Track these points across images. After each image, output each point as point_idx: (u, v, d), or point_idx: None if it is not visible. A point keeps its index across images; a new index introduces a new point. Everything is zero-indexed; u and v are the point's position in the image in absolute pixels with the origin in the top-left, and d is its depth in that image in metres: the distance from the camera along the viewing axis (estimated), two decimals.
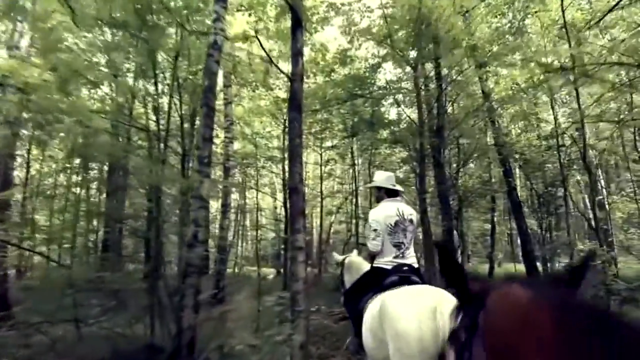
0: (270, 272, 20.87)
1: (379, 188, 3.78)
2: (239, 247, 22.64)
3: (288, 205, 4.81)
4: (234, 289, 10.10)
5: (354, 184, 17.05)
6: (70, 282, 6.00)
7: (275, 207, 21.57)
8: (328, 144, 17.28)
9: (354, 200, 17.22)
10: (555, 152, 12.40)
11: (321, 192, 17.94)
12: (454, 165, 14.80)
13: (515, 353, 0.92)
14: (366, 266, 4.05)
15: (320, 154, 17.67)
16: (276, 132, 16.92)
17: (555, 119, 12.42)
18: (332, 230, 21.04)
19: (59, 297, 6.30)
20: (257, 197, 19.06)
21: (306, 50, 12.24)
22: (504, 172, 13.21)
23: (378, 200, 3.80)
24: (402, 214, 3.51)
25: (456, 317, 1.22)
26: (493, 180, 17.15)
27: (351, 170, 18.09)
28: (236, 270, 18.43)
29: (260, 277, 15.59)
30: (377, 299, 3.07)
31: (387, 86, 11.79)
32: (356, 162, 17.11)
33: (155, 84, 6.87)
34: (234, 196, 21.82)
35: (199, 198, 5.20)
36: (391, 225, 3.45)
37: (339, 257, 4.95)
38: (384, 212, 3.50)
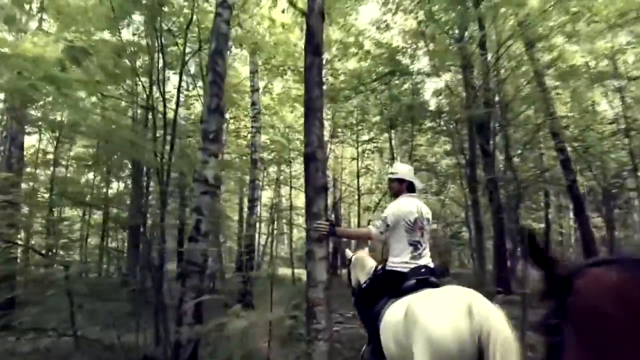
0: (304, 274, 19.88)
1: (400, 181, 3.58)
2: (273, 247, 21.82)
3: (304, 177, 3.70)
4: (264, 292, 9.29)
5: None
6: (69, 288, 5.26)
7: None
8: (364, 137, 16.15)
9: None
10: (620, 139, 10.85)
11: (358, 188, 16.83)
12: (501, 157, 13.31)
13: (607, 334, 0.89)
14: (370, 263, 4.05)
15: (357, 148, 16.56)
16: None
17: (623, 98, 10.83)
18: None
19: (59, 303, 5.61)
20: (290, 195, 18.18)
21: (338, 33, 11.28)
22: (561, 162, 11.77)
23: (396, 195, 3.60)
24: (421, 212, 3.39)
25: (544, 304, 1.11)
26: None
27: (389, 165, 16.88)
28: (270, 271, 17.63)
29: (295, 279, 14.69)
30: (398, 303, 2.95)
31: (431, 64, 10.53)
32: (395, 156, 15.83)
33: (163, 56, 6.04)
34: (267, 193, 21.08)
35: (202, 181, 4.27)
36: (410, 222, 3.30)
37: (349, 253, 4.83)
38: (405, 208, 3.35)
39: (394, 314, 2.90)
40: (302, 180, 20.29)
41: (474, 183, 9.62)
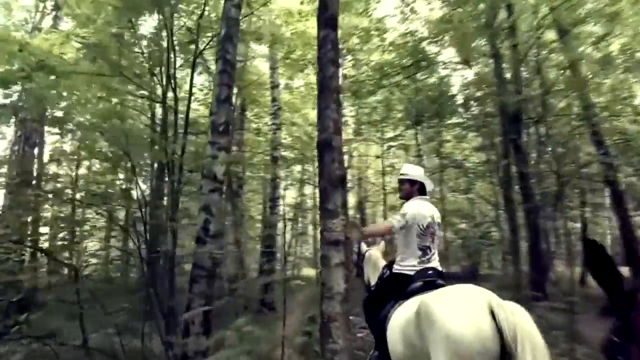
0: None
1: (412, 182, 3.49)
2: (298, 247, 21.51)
3: (318, 169, 3.28)
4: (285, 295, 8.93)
5: None
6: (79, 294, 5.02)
7: None
8: (389, 134, 15.64)
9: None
10: None
11: (383, 187, 16.32)
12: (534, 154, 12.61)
13: None
14: (382, 263, 4.01)
15: (382, 146, 16.05)
16: None
17: None
18: None
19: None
20: (314, 194, 17.82)
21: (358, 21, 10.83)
22: (600, 157, 11.03)
23: (407, 197, 3.50)
24: (434, 216, 3.33)
25: (606, 319, 1.14)
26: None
27: (415, 163, 16.28)
28: (295, 272, 17.39)
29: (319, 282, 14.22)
30: (407, 304, 2.87)
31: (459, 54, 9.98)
32: (421, 153, 15.23)
33: (172, 49, 5.74)
34: (291, 192, 20.77)
35: (211, 178, 3.92)
36: (423, 226, 3.24)
37: (364, 247, 4.73)
38: (420, 210, 3.27)
39: (402, 314, 2.82)
40: None
41: (507, 178, 9.01)
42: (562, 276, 12.31)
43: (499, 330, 2.14)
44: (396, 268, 3.32)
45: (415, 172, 3.53)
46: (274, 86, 10.41)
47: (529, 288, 10.25)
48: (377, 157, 17.47)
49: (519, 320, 2.17)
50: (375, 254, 4.42)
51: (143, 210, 5.09)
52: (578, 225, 16.42)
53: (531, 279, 10.84)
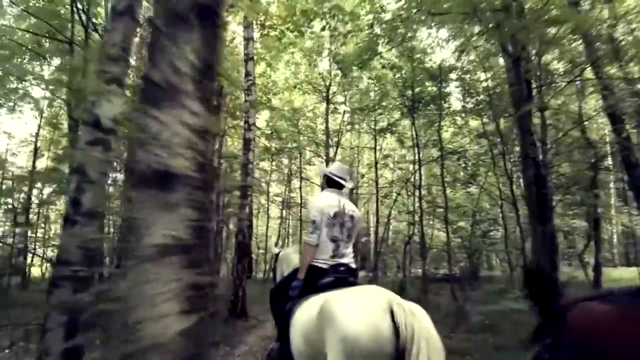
0: None
1: (323, 176, 3.54)
2: (285, 247, 20.12)
3: None
4: (261, 297, 7.66)
5: (416, 171, 13.79)
6: None
7: None
8: (383, 123, 14.31)
9: (417, 191, 14.02)
10: None
11: (376, 182, 14.92)
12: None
13: None
14: (297, 260, 3.99)
15: (375, 136, 14.69)
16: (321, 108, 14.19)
17: None
18: (391, 228, 18.14)
19: None
20: (300, 188, 16.46)
21: None
22: (619, 145, 9.78)
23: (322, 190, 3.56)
24: (343, 207, 3.25)
25: (540, 340, 1.25)
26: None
27: (412, 154, 14.91)
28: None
29: None
30: (312, 300, 2.73)
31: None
32: (418, 142, 13.83)
33: None
34: (277, 189, 19.44)
35: (91, 125, 2.53)
36: (330, 216, 3.16)
37: (274, 250, 4.73)
38: (324, 202, 3.22)
39: (306, 311, 2.72)
40: (314, 172, 18.67)
41: (523, 164, 7.69)
42: (571, 279, 11.17)
43: (397, 330, 2.14)
44: (311, 261, 3.15)
45: (331, 167, 3.56)
46: (249, 59, 9.01)
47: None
48: (371, 148, 16.15)
49: (417, 320, 2.16)
50: (288, 252, 4.46)
51: None
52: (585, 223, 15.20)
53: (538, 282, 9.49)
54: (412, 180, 13.69)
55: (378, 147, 14.97)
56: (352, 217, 3.29)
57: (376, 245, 15.67)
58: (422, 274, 11.08)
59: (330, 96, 12.99)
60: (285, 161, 18.41)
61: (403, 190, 15.32)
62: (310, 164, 17.20)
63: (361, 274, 18.95)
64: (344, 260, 3.16)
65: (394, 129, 13.78)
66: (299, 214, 17.19)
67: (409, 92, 12.69)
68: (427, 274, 11.14)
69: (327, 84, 12.85)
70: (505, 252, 13.62)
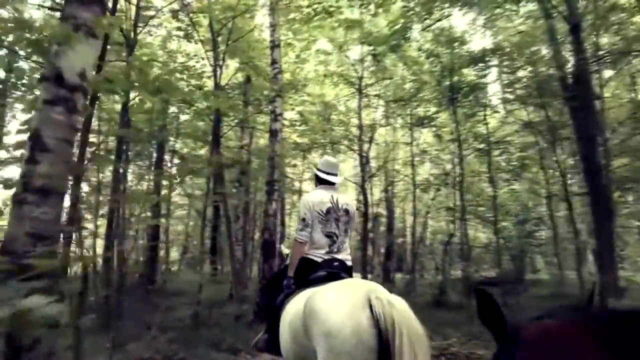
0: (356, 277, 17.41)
1: (315, 175, 3.57)
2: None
3: None
4: None
5: (456, 166, 12.90)
6: None
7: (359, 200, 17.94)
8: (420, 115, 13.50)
9: (458, 188, 13.13)
10: None
11: (413, 178, 14.09)
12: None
13: None
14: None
15: (411, 129, 13.89)
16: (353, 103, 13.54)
17: None
18: (428, 228, 17.26)
19: None
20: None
21: None
22: None
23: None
24: (336, 202, 3.27)
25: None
26: None
27: (452, 148, 14.05)
28: None
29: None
30: (301, 295, 2.75)
31: None
32: (459, 136, 12.95)
33: None
34: (309, 187, 18.86)
35: (53, 80, 2.01)
36: (322, 212, 3.18)
37: (285, 250, 4.51)
38: (316, 199, 3.23)
39: (294, 305, 2.71)
40: (346, 168, 17.99)
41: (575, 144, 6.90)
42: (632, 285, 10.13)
43: (377, 323, 2.15)
44: (306, 253, 3.19)
45: (321, 163, 3.53)
46: (274, 46, 8.51)
47: (599, 299, 8.09)
48: (406, 144, 15.36)
49: (397, 311, 2.16)
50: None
51: None
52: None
53: (601, 286, 8.57)
54: (452, 175, 12.84)
55: (414, 143, 14.18)
56: (347, 210, 3.29)
57: (413, 246, 14.88)
58: (464, 276, 10.31)
59: (362, 88, 12.33)
60: (318, 159, 17.86)
61: (442, 188, 14.38)
62: (343, 162, 16.55)
63: (398, 276, 18.20)
64: (340, 256, 3.17)
65: (432, 122, 12.96)
66: None
67: (447, 83, 11.94)
68: (470, 276, 10.32)
69: (359, 75, 12.21)
70: (554, 254, 12.53)
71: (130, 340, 5.75)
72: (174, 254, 23.41)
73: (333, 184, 3.40)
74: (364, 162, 12.41)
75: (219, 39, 8.18)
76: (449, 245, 12.67)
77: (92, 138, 4.71)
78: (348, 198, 3.48)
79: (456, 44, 10.74)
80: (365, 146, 13.14)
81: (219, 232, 14.43)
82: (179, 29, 9.06)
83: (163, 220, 13.93)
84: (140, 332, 6.23)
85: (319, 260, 3.09)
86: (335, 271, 3.03)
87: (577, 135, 8.49)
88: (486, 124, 12.20)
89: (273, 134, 8.13)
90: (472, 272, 10.85)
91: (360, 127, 12.49)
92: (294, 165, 16.43)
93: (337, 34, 11.43)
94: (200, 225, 9.70)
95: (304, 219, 3.16)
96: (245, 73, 10.02)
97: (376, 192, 17.90)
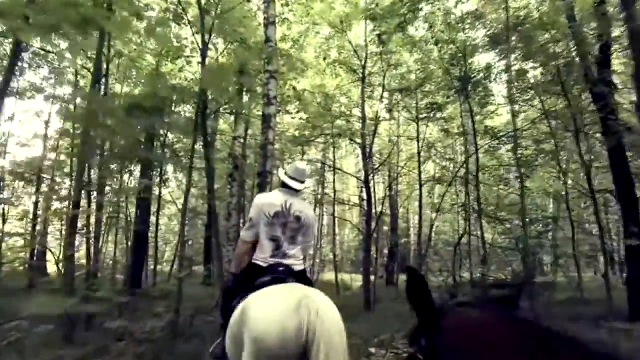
0: (356, 279, 17.11)
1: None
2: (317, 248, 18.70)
3: None
4: None
5: (464, 163, 12.02)
6: None
7: (362, 197, 17.04)
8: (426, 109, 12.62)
9: (464, 187, 12.25)
10: None
11: (419, 175, 13.17)
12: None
13: None
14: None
15: (417, 122, 12.98)
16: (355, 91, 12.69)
17: None
18: (434, 228, 16.43)
19: None
20: (334, 181, 14.99)
21: None
22: None
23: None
24: (289, 207, 3.16)
25: (415, 342, 1.26)
26: None
27: (460, 143, 13.17)
28: (311, 276, 14.58)
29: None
30: (245, 300, 2.71)
31: None
32: (467, 129, 12.06)
33: None
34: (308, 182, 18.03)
35: None
36: (269, 215, 3.12)
37: None
38: (267, 200, 3.22)
39: (237, 310, 2.70)
40: (347, 164, 17.11)
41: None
42: None
43: (301, 330, 2.18)
44: (253, 258, 3.16)
45: (289, 167, 3.43)
46: (269, 23, 7.67)
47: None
48: (410, 138, 14.49)
49: (320, 320, 2.20)
50: None
51: None
52: None
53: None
54: (461, 172, 11.97)
55: (420, 137, 13.27)
56: (298, 217, 3.19)
57: (419, 247, 14.01)
58: (476, 279, 9.49)
59: (365, 75, 11.45)
60: (318, 155, 17.05)
61: (452, 183, 13.46)
62: (343, 158, 15.72)
63: (402, 277, 17.38)
64: (285, 261, 3.11)
65: (440, 111, 12.09)
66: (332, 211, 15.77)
67: (456, 71, 11.10)
68: (484, 279, 9.50)
69: (362, 62, 11.32)
70: (573, 255, 11.64)
71: (92, 355, 4.98)
72: (168, 253, 22.70)
73: (295, 189, 3.27)
74: (367, 156, 11.50)
75: (207, 17, 7.41)
76: (458, 246, 11.82)
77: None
78: (306, 206, 3.39)
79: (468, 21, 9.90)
80: (368, 139, 12.28)
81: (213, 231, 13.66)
82: (166, 10, 8.49)
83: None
84: (108, 345, 5.47)
85: (264, 265, 3.04)
86: (281, 276, 2.95)
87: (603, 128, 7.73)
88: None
89: (266, 119, 7.25)
90: (487, 275, 10.02)
91: (362, 119, 11.61)
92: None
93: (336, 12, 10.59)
94: (180, 222, 8.95)
95: (250, 219, 3.17)
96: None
97: (378, 190, 17.08)
